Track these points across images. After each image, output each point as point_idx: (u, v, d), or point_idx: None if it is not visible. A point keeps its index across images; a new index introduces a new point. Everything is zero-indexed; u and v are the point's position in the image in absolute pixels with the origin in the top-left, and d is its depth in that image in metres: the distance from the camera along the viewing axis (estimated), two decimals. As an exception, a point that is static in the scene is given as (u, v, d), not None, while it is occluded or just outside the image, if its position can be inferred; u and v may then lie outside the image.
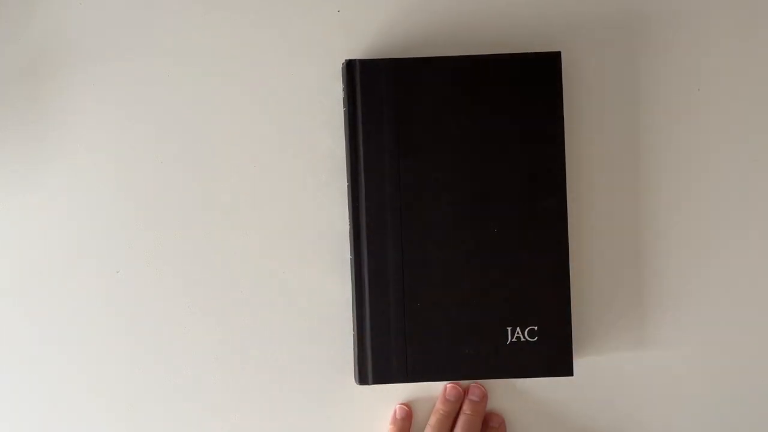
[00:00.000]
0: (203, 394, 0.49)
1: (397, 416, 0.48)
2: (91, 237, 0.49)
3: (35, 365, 0.49)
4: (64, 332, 0.49)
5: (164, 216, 0.49)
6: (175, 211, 0.49)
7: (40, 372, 0.49)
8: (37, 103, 0.49)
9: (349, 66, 0.47)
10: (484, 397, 0.48)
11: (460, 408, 0.48)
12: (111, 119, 0.49)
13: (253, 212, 0.49)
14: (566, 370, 0.46)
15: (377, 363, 0.46)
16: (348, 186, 0.47)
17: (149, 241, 0.49)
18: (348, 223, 0.48)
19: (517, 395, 0.49)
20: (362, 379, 0.47)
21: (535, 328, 0.46)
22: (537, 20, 0.50)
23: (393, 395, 0.49)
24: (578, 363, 0.48)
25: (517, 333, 0.46)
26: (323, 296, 0.49)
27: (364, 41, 0.49)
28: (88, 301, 0.49)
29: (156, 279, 0.49)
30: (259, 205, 0.49)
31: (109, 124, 0.49)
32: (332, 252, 0.49)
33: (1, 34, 0.49)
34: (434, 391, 0.49)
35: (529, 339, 0.46)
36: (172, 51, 0.49)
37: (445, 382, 0.48)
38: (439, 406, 0.48)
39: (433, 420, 0.48)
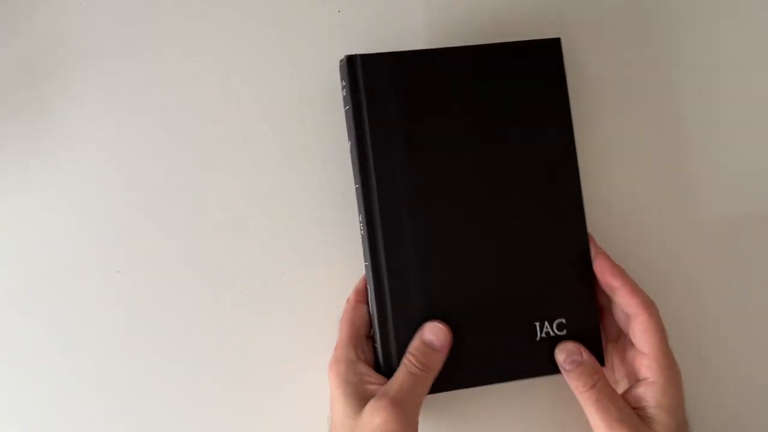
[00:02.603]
0: (204, 395, 0.49)
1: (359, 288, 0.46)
2: (91, 237, 0.49)
3: (35, 365, 0.49)
4: (64, 332, 0.49)
5: (165, 216, 0.49)
6: (176, 211, 0.49)
7: (40, 372, 0.49)
8: (37, 102, 0.49)
9: (350, 61, 0.45)
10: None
11: None
12: (111, 119, 0.49)
13: (254, 212, 0.49)
14: (597, 360, 0.44)
15: None
16: (358, 188, 0.45)
17: (149, 241, 0.49)
18: (361, 227, 0.46)
19: (519, 395, 0.49)
20: None
21: (564, 320, 0.45)
22: (536, 19, 0.50)
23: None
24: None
25: (546, 328, 0.45)
26: (324, 294, 0.49)
27: (365, 41, 0.49)
28: (88, 301, 0.49)
29: (156, 279, 0.49)
30: (259, 204, 0.49)
31: (109, 123, 0.49)
32: (335, 251, 0.49)
33: (1, 33, 0.49)
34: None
35: (558, 333, 0.45)
36: (172, 51, 0.49)
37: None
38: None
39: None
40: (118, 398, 0.49)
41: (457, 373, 0.44)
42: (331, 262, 0.49)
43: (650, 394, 0.42)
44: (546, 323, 0.44)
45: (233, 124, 0.49)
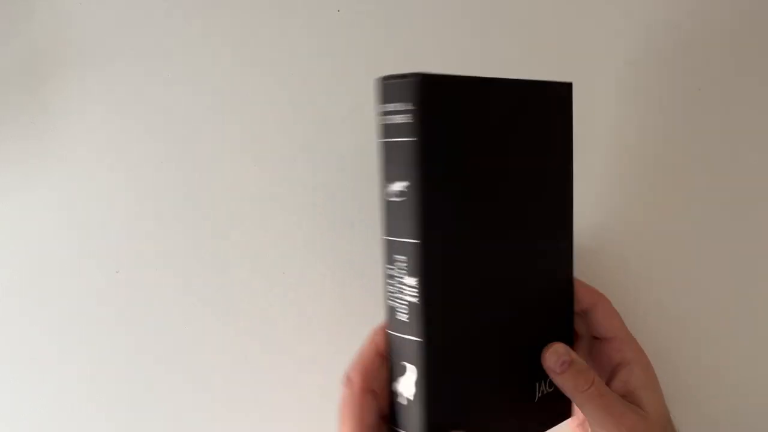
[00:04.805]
0: (204, 395, 0.49)
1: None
2: (91, 237, 0.49)
3: (35, 365, 0.49)
4: (64, 332, 0.49)
5: (164, 216, 0.49)
6: (176, 211, 0.49)
7: (40, 372, 0.49)
8: (37, 102, 0.49)
9: (423, 83, 0.35)
10: None
11: None
12: (111, 118, 0.49)
13: (254, 212, 0.49)
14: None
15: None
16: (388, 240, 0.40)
17: (149, 241, 0.49)
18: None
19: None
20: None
21: None
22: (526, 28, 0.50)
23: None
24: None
25: (543, 386, 0.42)
26: (325, 295, 0.49)
27: (366, 42, 0.49)
28: (88, 301, 0.49)
29: (156, 279, 0.49)
30: (260, 205, 0.49)
31: (109, 123, 0.49)
32: (336, 251, 0.49)
33: (1, 33, 0.49)
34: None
35: (549, 390, 0.43)
36: (172, 51, 0.49)
37: None
38: None
39: None
40: (118, 398, 0.49)
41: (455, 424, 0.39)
42: (332, 262, 0.49)
43: (633, 377, 0.42)
44: (543, 381, 0.42)
45: (233, 123, 0.49)
